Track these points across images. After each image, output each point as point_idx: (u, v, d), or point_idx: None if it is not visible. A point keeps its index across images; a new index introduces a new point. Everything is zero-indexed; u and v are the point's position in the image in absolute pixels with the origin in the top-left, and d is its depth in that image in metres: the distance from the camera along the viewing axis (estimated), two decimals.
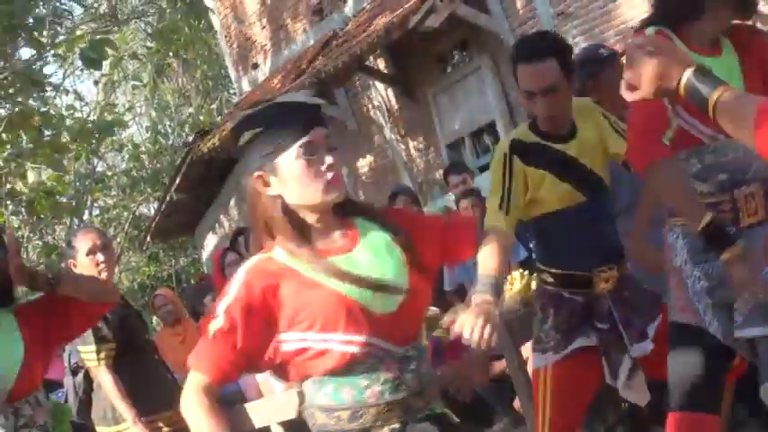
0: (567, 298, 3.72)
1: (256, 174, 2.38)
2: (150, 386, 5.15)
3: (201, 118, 22.33)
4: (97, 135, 13.37)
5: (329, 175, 2.35)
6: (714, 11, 3.01)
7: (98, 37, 11.82)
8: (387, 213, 2.57)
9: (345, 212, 2.47)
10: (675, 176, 3.01)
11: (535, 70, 3.54)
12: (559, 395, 3.70)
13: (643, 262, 3.90)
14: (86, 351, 4.99)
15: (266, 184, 2.38)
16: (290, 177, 2.35)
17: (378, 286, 2.34)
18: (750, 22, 3.14)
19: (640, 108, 2.95)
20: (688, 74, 2.04)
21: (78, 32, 12.02)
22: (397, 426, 2.37)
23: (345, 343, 2.31)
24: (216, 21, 15.71)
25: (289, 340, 2.34)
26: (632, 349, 3.68)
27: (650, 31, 3.03)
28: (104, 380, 5.00)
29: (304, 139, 2.33)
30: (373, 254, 2.41)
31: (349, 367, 2.33)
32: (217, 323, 2.33)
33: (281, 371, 2.43)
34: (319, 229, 2.41)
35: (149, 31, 19.47)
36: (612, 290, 3.69)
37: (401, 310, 2.37)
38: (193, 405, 2.35)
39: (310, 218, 2.40)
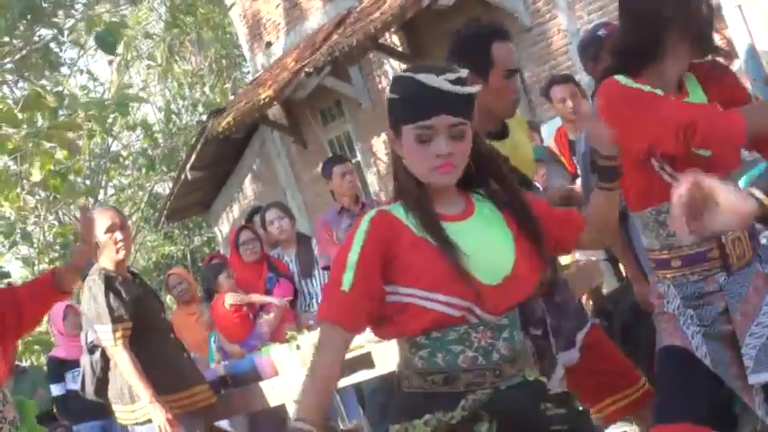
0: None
1: (390, 130, 2.51)
2: (167, 365, 5.17)
3: (216, 98, 22.36)
4: (112, 114, 13.37)
5: (438, 162, 2.43)
6: (673, 49, 2.97)
7: (113, 19, 11.83)
8: (503, 193, 2.61)
9: (465, 185, 2.56)
10: (754, 107, 3.00)
11: (513, 48, 3.55)
12: None
13: None
14: (102, 331, 5.01)
15: (394, 141, 2.51)
16: (407, 149, 2.47)
17: (482, 257, 2.42)
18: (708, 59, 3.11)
19: (657, 110, 2.91)
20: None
21: (93, 12, 11.98)
22: (488, 391, 2.43)
23: (446, 305, 2.40)
24: None
25: (395, 293, 2.44)
26: (558, 357, 3.62)
27: (619, 77, 2.98)
28: (121, 359, 5.01)
29: (422, 123, 2.41)
30: (485, 227, 2.51)
31: (444, 332, 2.42)
32: (349, 276, 2.41)
33: (379, 327, 2.52)
34: (437, 194, 2.50)
35: (164, 9, 19.42)
36: (545, 294, 3.62)
37: (505, 284, 2.44)
38: (324, 355, 2.44)
39: (426, 183, 2.50)
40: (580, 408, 2.63)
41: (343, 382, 5.15)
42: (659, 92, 2.92)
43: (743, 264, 3.02)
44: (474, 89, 2.46)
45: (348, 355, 5.01)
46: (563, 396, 2.57)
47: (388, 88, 2.52)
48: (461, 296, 2.39)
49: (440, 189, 2.49)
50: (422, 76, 2.41)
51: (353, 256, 2.42)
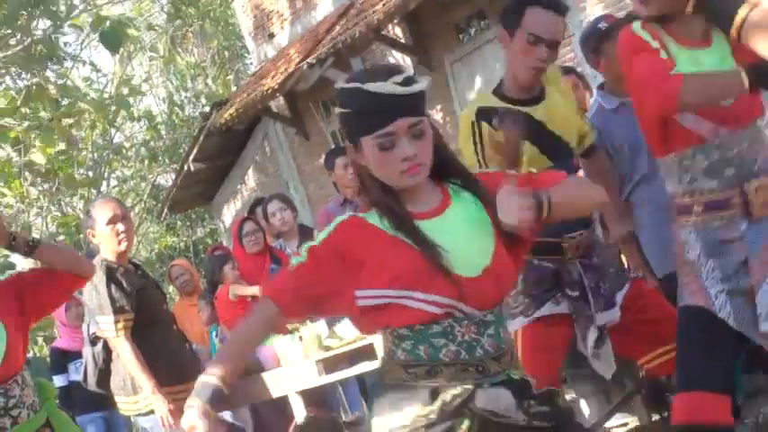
0: (536, 265, 3.69)
1: (347, 144, 2.49)
2: (169, 356, 5.17)
3: (218, 89, 22.34)
4: (113, 108, 13.38)
5: (404, 166, 2.39)
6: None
7: (118, 15, 11.83)
8: (479, 179, 2.59)
9: (439, 176, 2.53)
10: (700, 75, 2.97)
11: (553, 20, 3.57)
12: (531, 358, 3.68)
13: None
14: (104, 322, 5.01)
15: (356, 154, 2.47)
16: (370, 160, 2.43)
17: (460, 251, 2.39)
18: None
19: (639, 64, 2.97)
20: None
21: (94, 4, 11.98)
22: (470, 386, 2.41)
23: (424, 302, 2.37)
24: None
25: (368, 296, 2.42)
26: (598, 317, 3.66)
27: (636, 24, 3.02)
28: (123, 350, 5.01)
29: (380, 131, 2.37)
30: (462, 219, 2.48)
31: (427, 326, 2.39)
32: (300, 259, 2.46)
33: (359, 322, 2.52)
34: (410, 193, 2.47)
35: (166, 0, 19.39)
36: (583, 256, 3.67)
37: (485, 275, 2.41)
38: (242, 326, 2.54)
39: (396, 187, 2.47)
40: (562, 406, 2.60)
41: (346, 374, 5.15)
42: (660, 50, 2.95)
43: (766, 213, 3.01)
44: (424, 84, 2.42)
45: (350, 347, 5.04)
46: (547, 394, 2.54)
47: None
48: (442, 294, 2.36)
49: (412, 188, 2.46)
50: (371, 86, 2.36)
51: (309, 246, 2.46)
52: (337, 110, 2.47)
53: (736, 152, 2.99)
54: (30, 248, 3.76)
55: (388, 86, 2.36)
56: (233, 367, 2.48)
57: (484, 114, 3.64)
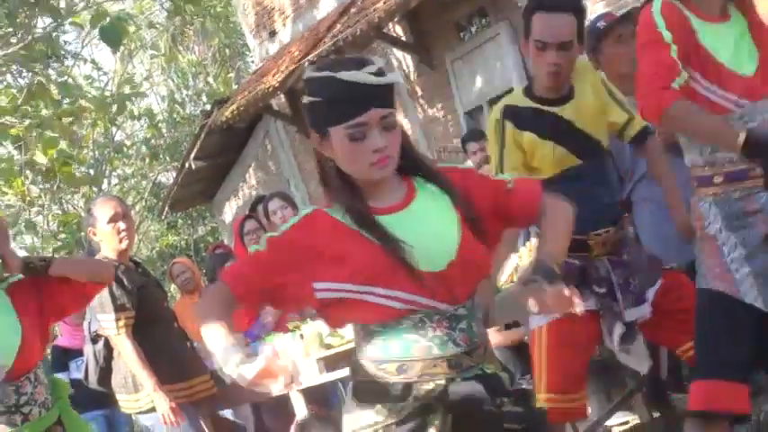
0: (563, 262, 3.69)
1: (313, 133, 2.42)
2: (169, 354, 5.17)
3: (219, 88, 22.33)
4: (114, 107, 13.38)
5: (375, 158, 2.34)
6: None
7: (118, 11, 11.82)
8: (446, 172, 2.55)
9: (405, 170, 2.48)
10: (694, 108, 2.99)
11: (556, 22, 3.54)
12: (556, 354, 3.68)
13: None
14: (105, 320, 5.01)
15: (320, 144, 2.41)
16: (339, 151, 2.37)
17: (423, 245, 2.35)
18: None
19: (647, 59, 2.97)
20: None
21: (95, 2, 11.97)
22: (441, 381, 2.38)
23: (386, 297, 2.33)
24: None
25: (327, 289, 2.37)
26: (626, 314, 3.65)
27: (655, 5, 3.03)
28: (124, 348, 5.02)
29: (352, 121, 2.32)
30: (426, 213, 2.43)
31: (397, 321, 2.36)
32: (258, 247, 2.43)
33: (324, 316, 2.49)
34: (372, 189, 2.42)
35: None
36: (611, 253, 3.66)
37: (450, 269, 2.37)
38: (205, 306, 2.48)
39: (361, 181, 2.41)
40: (535, 407, 2.59)
41: (347, 372, 5.15)
42: (671, 45, 2.95)
43: None
44: (397, 76, 2.39)
45: (351, 345, 5.03)
46: (521, 392, 2.53)
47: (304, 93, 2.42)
48: (405, 289, 2.33)
49: (376, 182, 2.41)
50: (344, 74, 2.30)
51: (268, 236, 2.44)
52: (305, 99, 2.39)
53: (759, 122, 2.99)
54: (44, 268, 3.75)
55: (362, 75, 2.31)
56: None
57: (510, 113, 3.64)
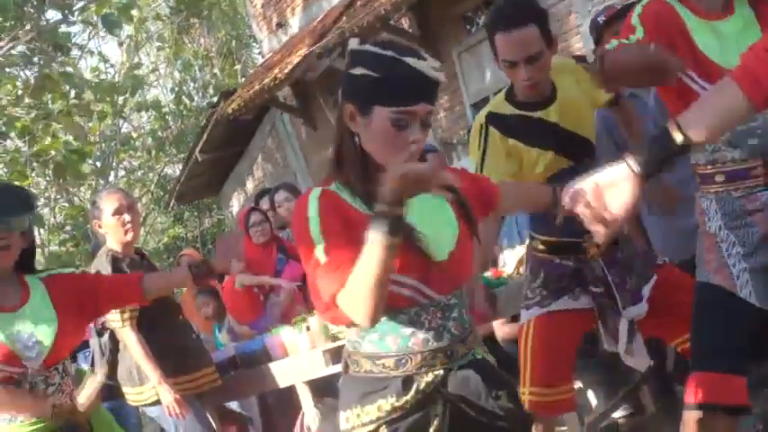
0: (557, 263, 3.69)
1: (349, 104, 2.36)
2: (176, 347, 5.17)
3: (225, 79, 22.33)
4: (124, 96, 13.39)
5: (412, 148, 2.32)
6: None
7: (124, 1, 11.82)
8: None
9: None
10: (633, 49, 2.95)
11: (517, 39, 3.46)
12: (542, 348, 3.70)
13: (658, 202, 3.88)
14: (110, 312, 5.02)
15: (352, 118, 2.36)
16: (377, 132, 2.32)
17: (431, 233, 2.36)
18: None
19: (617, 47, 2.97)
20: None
21: None
22: (440, 372, 2.40)
23: (397, 284, 2.31)
24: None
25: None
26: (625, 312, 3.66)
27: (638, 7, 3.02)
28: (129, 340, 5.02)
29: (403, 108, 2.28)
30: (429, 203, 2.43)
31: (393, 314, 2.36)
32: (321, 248, 2.25)
33: (327, 313, 2.39)
34: (382, 171, 2.35)
35: None
36: (605, 253, 3.65)
37: (451, 260, 2.40)
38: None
39: (378, 164, 2.36)
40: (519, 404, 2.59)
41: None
42: (638, 36, 2.95)
43: None
44: (443, 77, 2.37)
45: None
46: (511, 387, 2.53)
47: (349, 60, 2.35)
48: (413, 275, 2.33)
49: (384, 171, 2.31)
50: (411, 60, 2.28)
51: (314, 231, 2.27)
52: (356, 69, 2.32)
53: (761, 122, 2.97)
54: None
55: (425, 66, 2.30)
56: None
57: (493, 119, 3.62)
